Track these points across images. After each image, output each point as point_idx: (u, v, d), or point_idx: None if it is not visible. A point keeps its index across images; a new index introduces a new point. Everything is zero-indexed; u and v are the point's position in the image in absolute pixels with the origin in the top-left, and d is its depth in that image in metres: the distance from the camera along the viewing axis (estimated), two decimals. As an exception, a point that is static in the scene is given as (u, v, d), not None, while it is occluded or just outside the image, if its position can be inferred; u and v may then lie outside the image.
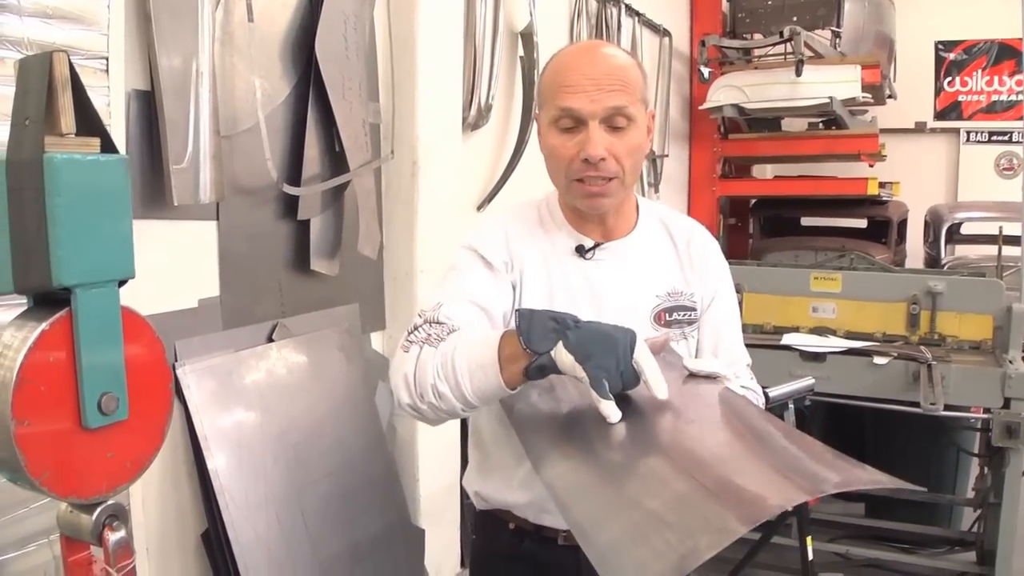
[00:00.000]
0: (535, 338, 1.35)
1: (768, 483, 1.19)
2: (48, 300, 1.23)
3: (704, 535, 1.08)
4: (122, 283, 1.26)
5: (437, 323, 1.58)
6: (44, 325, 1.18)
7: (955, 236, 6.92)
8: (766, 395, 2.95)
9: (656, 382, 1.35)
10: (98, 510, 1.28)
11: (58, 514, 1.32)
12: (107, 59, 2.20)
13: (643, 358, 1.35)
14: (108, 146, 1.24)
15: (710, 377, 1.57)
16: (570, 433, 1.45)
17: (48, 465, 1.17)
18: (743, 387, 1.71)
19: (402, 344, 1.58)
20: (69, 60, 1.18)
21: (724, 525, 1.08)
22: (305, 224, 2.96)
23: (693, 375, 1.57)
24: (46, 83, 1.16)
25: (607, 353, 1.32)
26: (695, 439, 1.36)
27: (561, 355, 1.33)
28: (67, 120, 1.17)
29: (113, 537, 1.28)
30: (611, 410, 1.33)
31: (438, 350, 1.50)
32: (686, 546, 1.07)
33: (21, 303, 1.70)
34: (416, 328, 1.59)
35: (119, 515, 1.29)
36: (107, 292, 1.24)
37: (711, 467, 1.25)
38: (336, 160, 3.05)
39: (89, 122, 1.22)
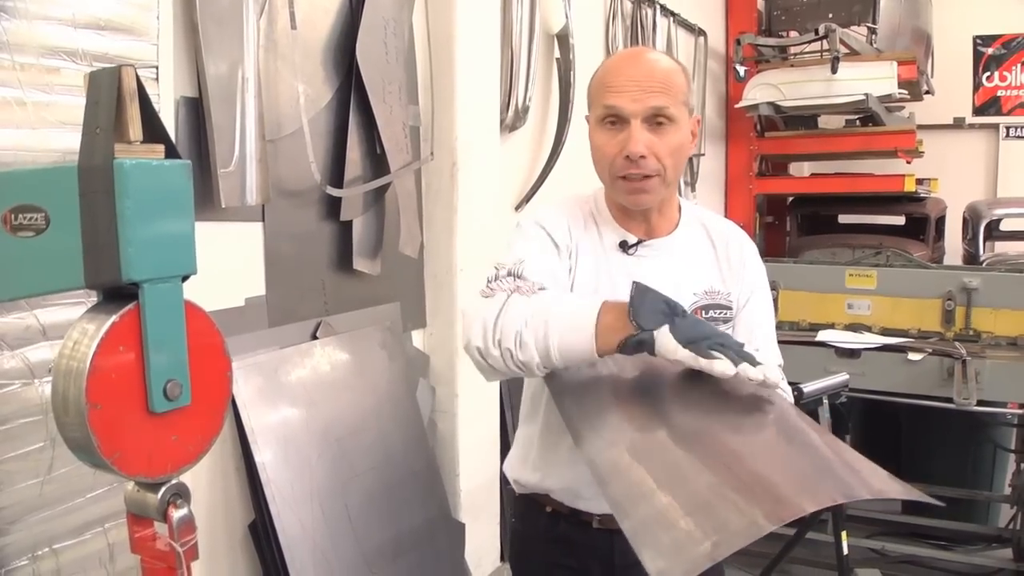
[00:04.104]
0: (644, 315, 1.40)
1: (800, 484, 1.22)
2: (117, 295, 1.31)
3: (734, 527, 1.12)
4: (185, 278, 1.35)
5: (521, 277, 1.62)
6: (115, 317, 1.27)
7: (994, 232, 6.82)
8: (800, 392, 2.96)
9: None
10: (163, 489, 1.36)
11: (125, 493, 1.40)
12: (157, 68, 2.27)
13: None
14: (172, 152, 1.33)
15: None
16: (613, 411, 1.50)
17: (118, 446, 1.26)
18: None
19: (482, 290, 1.62)
20: (136, 73, 1.26)
21: (753, 520, 1.12)
22: (348, 225, 3.03)
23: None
24: (115, 95, 1.25)
25: (706, 339, 1.38)
26: (734, 430, 1.40)
27: (664, 338, 1.38)
28: (135, 129, 1.26)
29: (177, 514, 1.36)
30: (725, 366, 1.37)
31: (530, 300, 1.55)
32: (718, 535, 1.12)
33: (80, 299, 1.81)
34: (498, 278, 1.63)
35: (182, 494, 1.38)
36: (172, 287, 1.32)
37: (747, 460, 1.29)
38: (377, 162, 3.11)
39: (154, 130, 1.31)
